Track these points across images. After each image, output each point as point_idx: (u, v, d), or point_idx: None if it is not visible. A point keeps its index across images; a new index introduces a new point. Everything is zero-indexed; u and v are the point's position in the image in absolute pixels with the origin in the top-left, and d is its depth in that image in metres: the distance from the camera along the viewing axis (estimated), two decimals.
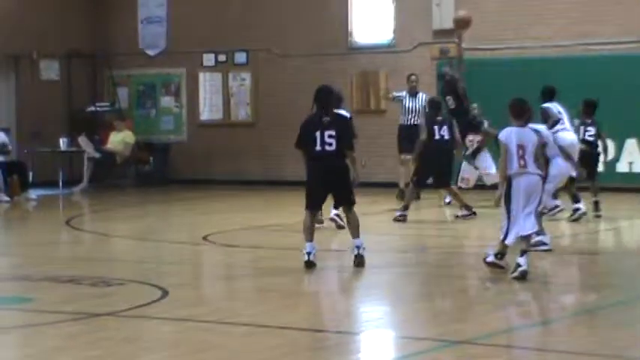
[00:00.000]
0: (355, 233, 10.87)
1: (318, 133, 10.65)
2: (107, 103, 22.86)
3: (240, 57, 22.21)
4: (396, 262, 11.83)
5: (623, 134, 18.67)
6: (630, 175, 18.87)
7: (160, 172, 22.25)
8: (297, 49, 21.41)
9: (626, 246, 13.85)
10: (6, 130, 20.32)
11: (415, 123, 17.75)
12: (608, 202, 15.66)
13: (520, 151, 9.83)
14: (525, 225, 9.87)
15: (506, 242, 9.97)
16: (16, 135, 21.30)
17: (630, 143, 18.83)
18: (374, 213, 16.21)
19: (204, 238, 13.39)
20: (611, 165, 18.49)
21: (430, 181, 15.42)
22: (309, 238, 10.75)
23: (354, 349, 7.78)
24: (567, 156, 13.53)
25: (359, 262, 10.75)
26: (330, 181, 10.75)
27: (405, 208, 14.90)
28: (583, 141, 14.76)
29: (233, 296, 9.96)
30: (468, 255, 12.40)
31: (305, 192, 10.96)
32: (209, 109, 22.59)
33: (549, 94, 14.67)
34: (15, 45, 21.30)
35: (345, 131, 10.87)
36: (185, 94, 22.83)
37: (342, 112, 12.59)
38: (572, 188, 14.48)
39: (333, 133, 10.62)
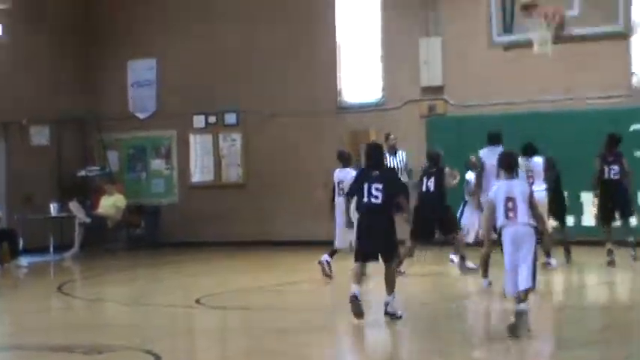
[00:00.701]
0: (388, 289, 11.03)
1: (366, 185, 11.04)
2: (98, 167, 22.88)
3: (231, 118, 22.28)
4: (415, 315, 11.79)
5: None
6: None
7: (152, 235, 22.22)
8: (286, 109, 21.51)
9: None
10: None
11: None
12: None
13: (509, 203, 9.92)
14: (521, 280, 9.82)
15: (506, 294, 9.96)
16: (5, 201, 21.27)
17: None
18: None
19: (197, 300, 13.31)
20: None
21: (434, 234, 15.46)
22: (357, 280, 10.93)
23: None
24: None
25: (390, 318, 10.95)
26: (374, 233, 10.96)
27: (400, 263, 14.89)
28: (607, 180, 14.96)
29: (227, 359, 9.88)
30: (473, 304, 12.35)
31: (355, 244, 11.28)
32: (200, 170, 22.61)
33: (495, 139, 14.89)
34: (5, 111, 21.36)
35: (393, 184, 11.18)
36: (176, 157, 22.86)
37: (350, 170, 13.52)
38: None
39: (380, 186, 10.98)
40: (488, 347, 9.89)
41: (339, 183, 15.22)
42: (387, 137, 18.69)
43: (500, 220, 9.98)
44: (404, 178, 17.01)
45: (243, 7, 21.87)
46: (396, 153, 18.35)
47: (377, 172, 11.14)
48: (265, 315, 12.36)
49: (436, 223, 15.13)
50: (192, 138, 22.63)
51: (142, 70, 23.02)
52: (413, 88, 20.46)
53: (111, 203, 21.64)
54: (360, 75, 21.26)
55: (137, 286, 16.25)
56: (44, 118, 22.16)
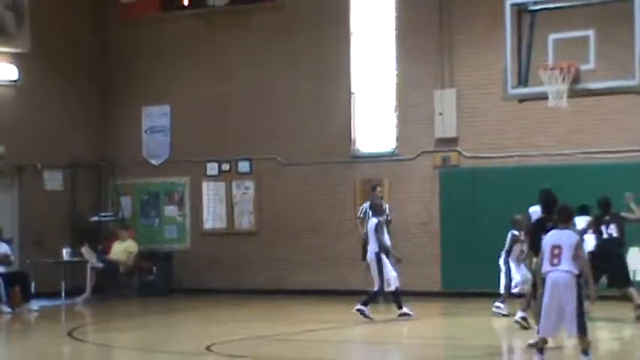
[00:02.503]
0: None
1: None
2: (110, 213, 22.90)
3: (244, 166, 22.31)
4: None
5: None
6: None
7: (163, 281, 22.15)
8: (300, 158, 21.52)
9: None
10: (8, 241, 20.29)
11: None
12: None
13: (555, 251, 10.47)
14: (572, 326, 10.36)
15: (539, 335, 10.53)
16: (18, 245, 21.28)
17: (634, 251, 18.74)
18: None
19: (208, 348, 13.24)
20: None
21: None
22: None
23: None
24: None
25: None
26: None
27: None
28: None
29: None
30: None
31: None
32: (212, 217, 22.61)
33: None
34: (19, 155, 21.44)
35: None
36: (189, 203, 22.89)
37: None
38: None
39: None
40: None
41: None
42: (374, 188, 18.86)
43: (546, 266, 10.50)
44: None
45: (258, 54, 21.97)
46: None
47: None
48: None
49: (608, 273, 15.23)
50: (205, 185, 22.67)
51: (156, 116, 23.11)
52: (427, 139, 20.47)
53: (122, 249, 21.62)
54: (374, 125, 21.29)
55: (148, 332, 16.18)
56: (58, 162, 22.23)
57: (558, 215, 10.95)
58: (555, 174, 18.79)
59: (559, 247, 10.45)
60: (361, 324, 15.57)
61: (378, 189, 18.98)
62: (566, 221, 10.81)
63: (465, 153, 20.26)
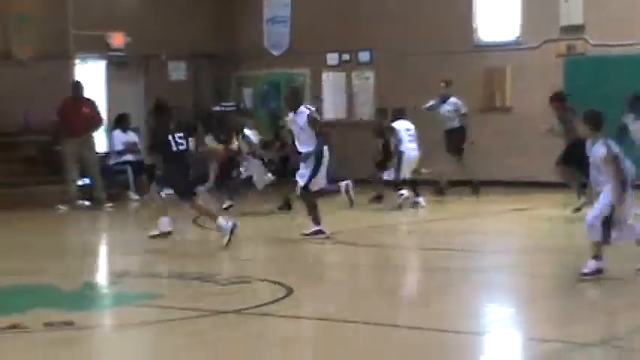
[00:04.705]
0: None
1: None
2: (232, 103, 23.16)
3: (364, 56, 22.23)
4: (520, 263, 11.67)
5: None
6: None
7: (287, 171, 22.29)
8: (421, 47, 21.27)
9: None
10: (136, 130, 20.79)
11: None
12: None
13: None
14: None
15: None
16: (145, 134, 21.74)
17: None
18: (496, 212, 16.03)
19: (331, 236, 13.41)
20: None
21: None
22: None
23: (480, 349, 7.70)
24: None
25: None
26: None
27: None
28: None
29: (358, 295, 9.94)
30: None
31: None
32: (332, 107, 22.69)
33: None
34: (145, 47, 21.76)
35: None
36: (309, 94, 22.96)
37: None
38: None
39: None
40: None
41: None
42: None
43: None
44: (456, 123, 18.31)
45: None
46: (447, 99, 18.80)
47: None
48: (397, 253, 12.38)
49: None
50: (325, 75, 22.70)
51: (277, 7, 23.13)
52: (552, 26, 19.98)
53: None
54: (497, 13, 20.85)
55: (271, 220, 16.44)
56: (182, 52, 22.52)
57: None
58: None
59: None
60: None
61: (442, 84, 19.04)
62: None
63: (591, 41, 19.73)
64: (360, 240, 13.60)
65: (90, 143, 18.63)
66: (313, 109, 13.73)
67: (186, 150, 13.02)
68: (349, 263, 12.14)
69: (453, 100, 18.94)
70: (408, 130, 17.19)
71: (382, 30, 21.71)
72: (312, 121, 13.15)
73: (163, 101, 13.91)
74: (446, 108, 18.92)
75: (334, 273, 11.60)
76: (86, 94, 18.81)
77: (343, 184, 16.87)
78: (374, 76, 22.14)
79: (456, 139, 18.75)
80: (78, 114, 18.24)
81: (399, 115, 17.72)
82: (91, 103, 18.76)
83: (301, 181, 13.28)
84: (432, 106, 19.00)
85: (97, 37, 20.85)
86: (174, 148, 12.85)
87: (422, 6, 21.30)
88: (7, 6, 19.63)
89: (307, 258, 12.37)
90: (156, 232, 12.98)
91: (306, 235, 13.24)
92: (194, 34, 22.53)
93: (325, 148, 13.34)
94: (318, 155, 13.19)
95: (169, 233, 12.99)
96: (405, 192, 16.75)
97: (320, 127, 13.30)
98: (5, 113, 19.10)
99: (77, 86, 18.72)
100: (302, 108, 13.33)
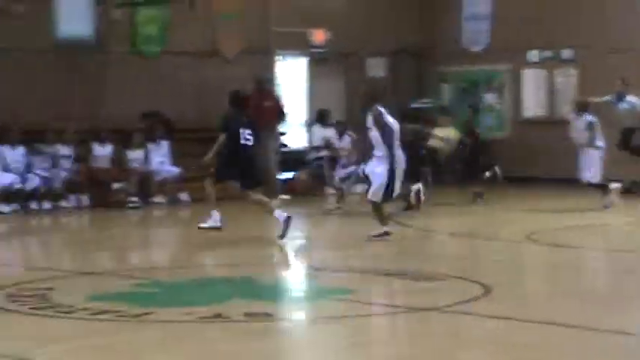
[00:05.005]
0: None
1: None
2: (429, 100, 23.08)
3: (567, 53, 21.75)
4: None
5: None
6: None
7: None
8: (626, 43, 20.61)
9: None
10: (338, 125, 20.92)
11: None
12: None
13: None
14: None
15: None
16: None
17: None
18: None
19: (528, 236, 13.17)
20: None
21: None
22: None
23: None
24: None
25: None
26: None
27: None
28: None
29: (557, 297, 9.68)
30: None
31: None
32: (533, 105, 22.31)
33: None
34: (345, 43, 21.97)
35: None
36: (508, 91, 22.64)
37: None
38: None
39: None
40: None
41: None
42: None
43: None
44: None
45: None
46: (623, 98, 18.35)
47: None
48: (597, 254, 12.03)
49: None
50: (525, 72, 22.33)
51: (477, 3, 22.91)
52: None
53: (442, 136, 21.68)
54: None
55: (467, 219, 16.28)
56: (383, 49, 22.58)
57: None
58: None
59: None
60: None
61: (618, 82, 18.39)
62: None
63: None
64: (557, 240, 13.27)
65: (271, 137, 18.71)
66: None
67: (252, 146, 13.23)
68: (544, 263, 11.87)
69: (631, 98, 18.31)
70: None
71: (585, 25, 21.14)
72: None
73: (240, 94, 14.02)
74: (623, 106, 18.31)
75: (530, 273, 11.37)
76: (271, 89, 19.10)
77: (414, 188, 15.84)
78: (577, 74, 21.62)
79: (631, 139, 18.19)
80: (260, 107, 18.42)
81: (583, 109, 17.22)
82: (273, 97, 19.06)
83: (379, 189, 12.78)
84: (605, 102, 18.39)
85: (297, 34, 21.21)
86: (242, 142, 13.13)
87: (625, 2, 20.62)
88: (214, 5, 20.21)
89: (500, 256, 12.16)
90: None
91: (374, 236, 12.86)
92: (395, 30, 22.62)
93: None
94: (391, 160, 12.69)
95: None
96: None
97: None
98: (211, 108, 19.60)
99: (260, 80, 19.04)
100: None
